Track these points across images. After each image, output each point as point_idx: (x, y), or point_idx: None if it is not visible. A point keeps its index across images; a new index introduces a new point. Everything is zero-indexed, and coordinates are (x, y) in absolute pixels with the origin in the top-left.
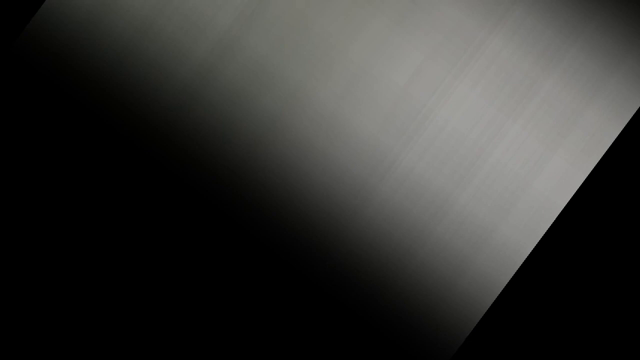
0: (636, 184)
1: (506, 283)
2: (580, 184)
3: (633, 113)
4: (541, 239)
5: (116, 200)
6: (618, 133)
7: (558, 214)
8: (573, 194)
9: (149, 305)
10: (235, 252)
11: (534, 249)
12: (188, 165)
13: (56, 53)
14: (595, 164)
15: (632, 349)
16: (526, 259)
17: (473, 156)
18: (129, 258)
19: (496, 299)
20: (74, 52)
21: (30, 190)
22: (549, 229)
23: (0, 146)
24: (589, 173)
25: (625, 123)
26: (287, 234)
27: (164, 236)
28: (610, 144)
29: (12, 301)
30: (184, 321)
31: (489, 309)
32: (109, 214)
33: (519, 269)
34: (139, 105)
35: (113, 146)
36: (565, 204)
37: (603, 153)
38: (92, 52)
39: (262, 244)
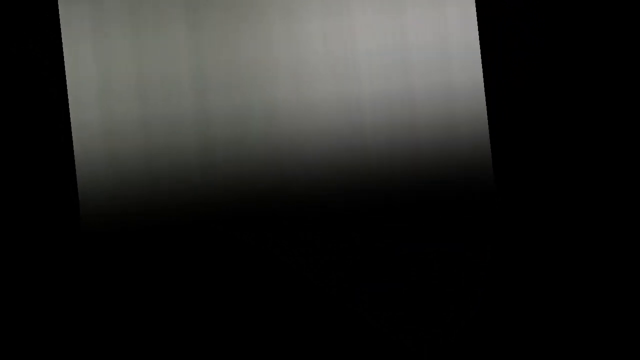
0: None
1: (487, 123)
2: (475, 16)
3: None
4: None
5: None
6: None
7: (480, 50)
8: (477, 24)
9: (154, 305)
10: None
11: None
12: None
13: (103, 225)
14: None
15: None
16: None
17: (405, 55)
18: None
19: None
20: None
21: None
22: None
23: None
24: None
25: None
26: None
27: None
28: None
29: (11, 301)
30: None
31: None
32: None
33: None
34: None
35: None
36: (479, 40)
37: None
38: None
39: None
